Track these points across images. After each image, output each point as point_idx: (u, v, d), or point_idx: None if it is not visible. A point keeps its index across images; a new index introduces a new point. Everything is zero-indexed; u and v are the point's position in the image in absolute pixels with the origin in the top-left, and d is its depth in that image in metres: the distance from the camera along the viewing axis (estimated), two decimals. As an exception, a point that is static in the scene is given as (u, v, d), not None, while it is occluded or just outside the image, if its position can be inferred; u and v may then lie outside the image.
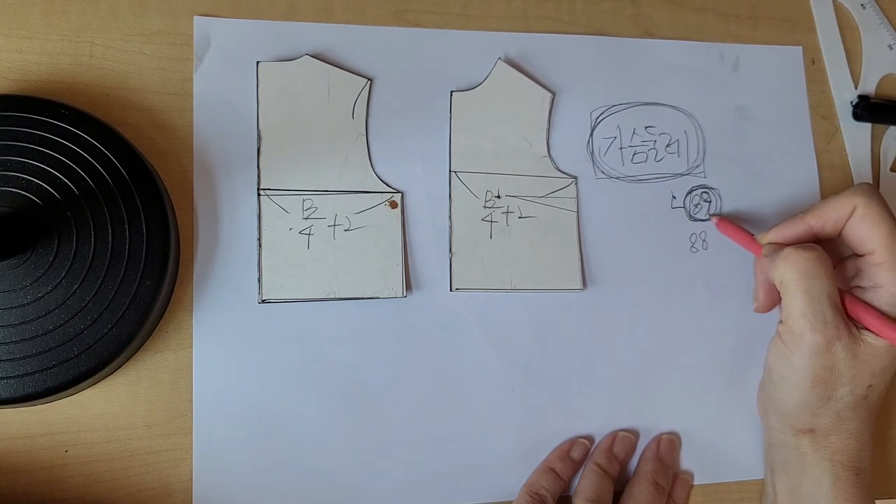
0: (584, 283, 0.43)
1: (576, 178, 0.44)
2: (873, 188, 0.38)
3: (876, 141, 0.48)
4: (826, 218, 0.39)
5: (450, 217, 0.42)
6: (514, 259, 0.42)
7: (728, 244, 0.44)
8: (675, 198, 0.45)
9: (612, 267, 0.43)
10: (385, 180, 0.42)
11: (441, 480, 0.40)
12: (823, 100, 0.47)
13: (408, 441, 0.40)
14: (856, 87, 0.48)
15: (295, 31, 0.42)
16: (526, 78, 0.44)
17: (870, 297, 0.38)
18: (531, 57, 0.44)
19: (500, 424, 0.41)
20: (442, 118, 0.43)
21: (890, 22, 0.49)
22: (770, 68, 0.47)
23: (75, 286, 0.35)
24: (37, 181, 0.36)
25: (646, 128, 0.45)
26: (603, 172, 0.44)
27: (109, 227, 0.36)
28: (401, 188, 0.42)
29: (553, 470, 0.40)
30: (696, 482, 0.42)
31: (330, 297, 0.40)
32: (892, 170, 0.48)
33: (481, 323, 0.41)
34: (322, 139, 0.41)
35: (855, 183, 0.47)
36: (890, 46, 0.49)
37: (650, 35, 0.46)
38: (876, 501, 0.39)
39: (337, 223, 0.41)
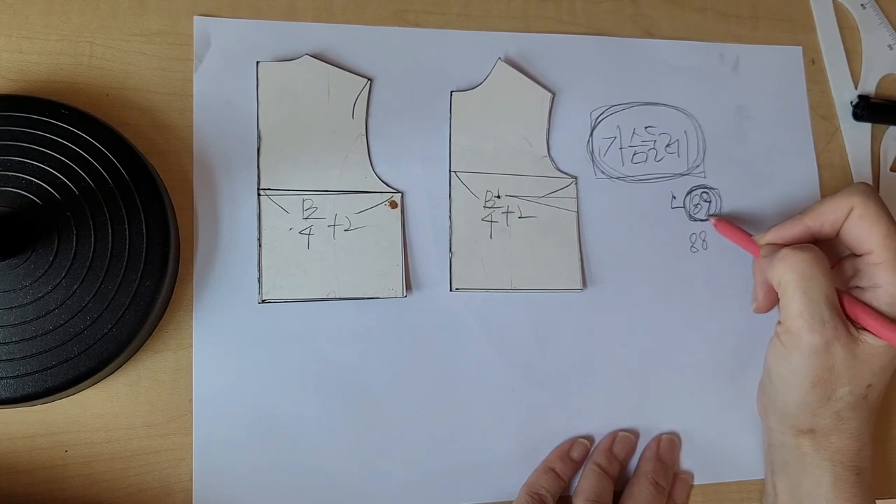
0: (584, 283, 0.43)
1: (576, 178, 0.44)
2: (870, 188, 0.38)
3: (876, 141, 0.48)
4: (824, 218, 0.39)
5: (450, 217, 0.42)
6: (514, 259, 0.42)
7: (728, 244, 0.44)
8: (675, 198, 0.45)
9: (612, 267, 0.43)
10: (385, 180, 0.42)
11: (441, 480, 0.40)
12: (823, 100, 0.47)
13: (408, 441, 0.40)
14: (856, 87, 0.48)
15: (295, 31, 0.42)
16: (526, 78, 0.44)
17: (868, 297, 0.38)
18: (531, 57, 0.44)
19: (500, 424, 0.41)
20: (442, 118, 0.43)
21: (890, 22, 0.49)
22: (770, 68, 0.47)
23: (75, 286, 0.35)
24: (37, 181, 0.36)
25: (646, 128, 0.45)
26: (603, 172, 0.44)
27: (109, 227, 0.36)
28: (401, 188, 0.42)
29: (553, 470, 0.40)
30: (696, 482, 0.42)
31: (330, 297, 0.40)
32: (892, 170, 0.48)
33: (481, 323, 0.41)
34: (322, 139, 0.41)
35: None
36: (890, 46, 0.49)
37: (650, 35, 0.46)
38: (876, 501, 0.39)
39: (337, 223, 0.41)
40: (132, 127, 0.40)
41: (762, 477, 0.43)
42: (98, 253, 0.36)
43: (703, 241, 0.44)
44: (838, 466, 0.38)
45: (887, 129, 0.48)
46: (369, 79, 0.42)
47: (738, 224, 0.44)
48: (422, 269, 0.41)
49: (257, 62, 0.41)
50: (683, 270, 0.44)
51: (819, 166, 0.46)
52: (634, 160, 0.45)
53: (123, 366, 0.38)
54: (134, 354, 0.38)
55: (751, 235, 0.42)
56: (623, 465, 0.41)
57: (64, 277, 0.35)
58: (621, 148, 0.44)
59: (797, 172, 0.46)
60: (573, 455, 0.41)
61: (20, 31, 0.40)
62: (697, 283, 0.44)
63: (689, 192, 0.45)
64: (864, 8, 0.49)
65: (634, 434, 0.42)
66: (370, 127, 0.42)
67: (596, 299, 0.43)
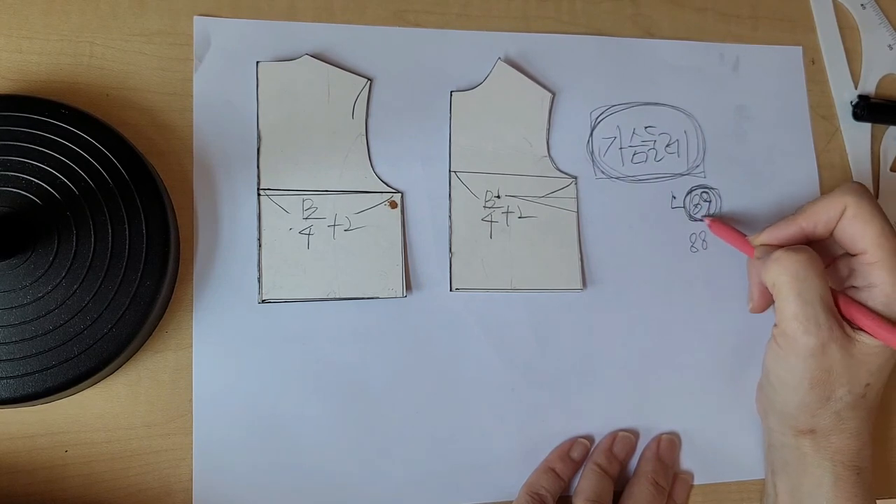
0: (584, 283, 0.43)
1: (576, 178, 0.44)
2: (863, 187, 0.38)
3: (876, 141, 0.48)
4: (817, 219, 0.39)
5: (450, 217, 0.42)
6: (514, 259, 0.42)
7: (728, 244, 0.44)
8: (675, 198, 0.45)
9: (612, 267, 0.43)
10: (385, 180, 0.42)
11: (441, 480, 0.40)
12: (823, 100, 0.47)
13: (408, 441, 0.40)
14: (856, 87, 0.48)
15: (295, 31, 0.42)
16: (526, 78, 0.44)
17: (864, 296, 0.38)
18: (531, 57, 0.44)
19: (500, 424, 0.41)
20: (442, 118, 0.43)
21: (890, 22, 0.49)
22: (770, 68, 0.47)
23: (75, 286, 0.35)
24: (37, 181, 0.36)
25: (646, 128, 0.45)
26: (603, 172, 0.44)
27: (109, 227, 0.36)
28: (401, 188, 0.42)
29: (553, 470, 0.40)
30: (696, 482, 0.42)
31: (330, 297, 0.40)
32: (892, 170, 0.48)
33: (481, 323, 0.41)
34: (322, 139, 0.41)
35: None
36: (890, 46, 0.49)
37: (650, 35, 0.46)
38: (877, 501, 0.39)
39: (337, 223, 0.41)
40: (132, 127, 0.40)
41: (762, 477, 0.43)
42: (98, 253, 0.36)
43: (703, 241, 0.44)
44: (839, 466, 0.38)
45: (887, 129, 0.48)
46: (369, 79, 0.42)
47: (737, 224, 0.44)
48: (422, 269, 0.41)
49: (257, 62, 0.41)
50: (683, 270, 0.44)
51: (819, 166, 0.47)
52: (634, 160, 0.45)
53: (123, 366, 0.38)
54: (134, 354, 0.38)
55: (745, 236, 0.42)
56: (623, 465, 0.41)
57: (64, 277, 0.35)
58: (621, 148, 0.44)
59: (797, 172, 0.46)
60: (573, 455, 0.41)
61: (20, 31, 0.40)
62: (697, 283, 0.44)
63: (689, 192, 0.45)
64: (864, 8, 0.49)
65: (634, 434, 0.42)
66: (370, 127, 0.42)
67: (596, 299, 0.43)
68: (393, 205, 0.41)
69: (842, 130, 0.47)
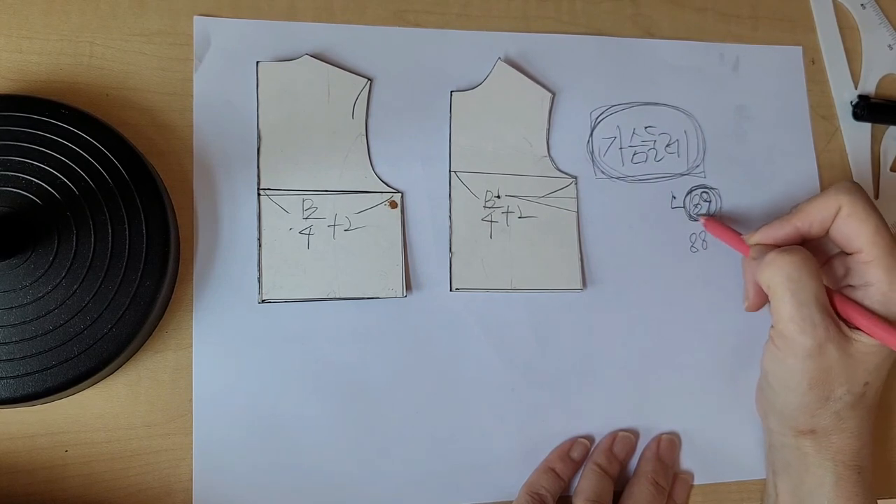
0: (584, 283, 0.43)
1: (576, 178, 0.44)
2: (856, 185, 0.38)
3: (876, 141, 0.48)
4: (812, 218, 0.39)
5: (450, 217, 0.42)
6: (514, 259, 0.42)
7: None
8: (675, 198, 0.45)
9: (612, 267, 0.43)
10: (385, 180, 0.42)
11: (441, 480, 0.40)
12: (823, 100, 0.47)
13: (408, 441, 0.40)
14: (856, 87, 0.48)
15: (295, 31, 0.42)
16: (526, 78, 0.44)
17: (860, 295, 0.38)
18: (531, 57, 0.44)
19: (500, 424, 0.41)
20: (442, 118, 0.43)
21: (890, 22, 0.49)
22: (770, 68, 0.47)
23: (75, 286, 0.35)
24: (37, 181, 0.36)
25: (646, 128, 0.45)
26: (603, 172, 0.44)
27: (109, 227, 0.36)
28: (401, 188, 0.42)
29: (553, 470, 0.40)
30: (696, 482, 0.42)
31: (330, 297, 0.40)
32: (892, 170, 0.48)
33: (481, 323, 0.41)
34: (322, 139, 0.41)
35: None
36: (890, 46, 0.49)
37: (650, 35, 0.46)
38: (877, 501, 0.39)
39: (337, 223, 0.41)
40: (132, 127, 0.40)
41: (762, 477, 0.43)
42: (98, 253, 0.36)
43: (703, 241, 0.44)
44: (840, 466, 0.38)
45: (887, 129, 0.48)
46: (369, 79, 0.42)
47: (737, 224, 0.44)
48: (422, 269, 0.41)
49: (257, 62, 0.41)
50: (683, 270, 0.44)
51: (819, 166, 0.46)
52: (634, 160, 0.45)
53: (123, 366, 0.38)
54: (134, 354, 0.38)
55: (740, 235, 0.42)
56: (623, 465, 0.41)
57: (64, 277, 0.35)
58: (621, 148, 0.44)
59: (797, 172, 0.46)
60: (573, 455, 0.41)
61: (20, 31, 0.40)
62: (697, 283, 0.44)
63: (689, 192, 0.45)
64: (864, 8, 0.49)
65: (634, 434, 0.42)
66: (370, 127, 0.42)
67: (596, 299, 0.43)
68: (393, 205, 0.41)
69: (842, 130, 0.47)
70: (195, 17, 0.41)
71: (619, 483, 0.41)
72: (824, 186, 0.46)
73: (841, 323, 0.37)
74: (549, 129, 0.44)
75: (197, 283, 0.39)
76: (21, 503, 0.36)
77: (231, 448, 0.38)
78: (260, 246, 0.40)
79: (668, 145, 0.45)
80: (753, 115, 0.46)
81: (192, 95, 0.40)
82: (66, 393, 0.36)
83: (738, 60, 0.47)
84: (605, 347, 0.42)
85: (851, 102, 0.47)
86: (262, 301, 0.39)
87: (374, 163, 0.42)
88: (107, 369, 0.36)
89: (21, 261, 0.35)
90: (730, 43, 0.47)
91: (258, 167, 0.40)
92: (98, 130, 0.37)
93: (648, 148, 0.45)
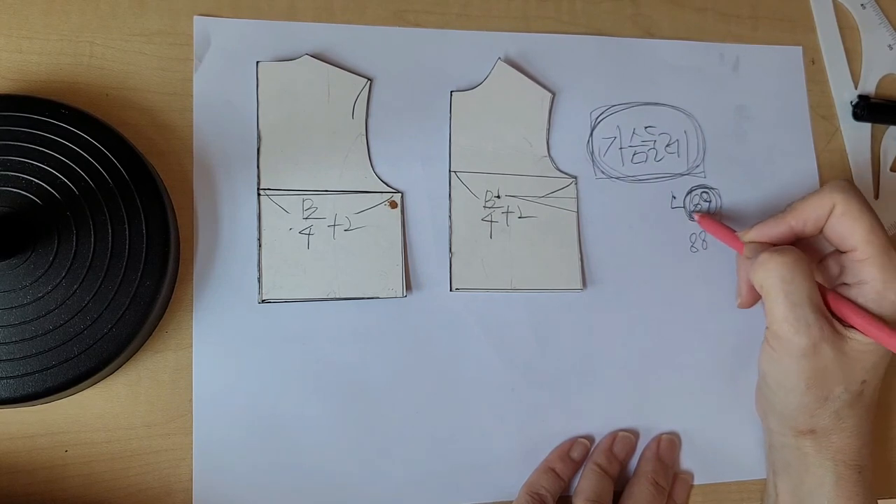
0: (584, 283, 0.43)
1: (576, 178, 0.44)
2: (850, 184, 0.38)
3: (876, 141, 0.48)
4: (806, 217, 0.39)
5: (450, 217, 0.42)
6: (514, 259, 0.42)
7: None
8: (675, 198, 0.45)
9: (612, 267, 0.43)
10: (385, 180, 0.42)
11: (441, 480, 0.40)
12: (823, 100, 0.47)
13: (408, 441, 0.40)
14: (856, 87, 0.48)
15: (295, 31, 0.42)
16: (526, 78, 0.44)
17: (854, 293, 0.38)
18: (531, 57, 0.44)
19: (500, 424, 0.41)
20: (442, 118, 0.43)
21: (890, 22, 0.49)
22: (770, 68, 0.47)
23: (75, 286, 0.35)
24: (37, 181, 0.36)
25: (646, 128, 0.45)
26: (603, 172, 0.44)
27: (109, 227, 0.36)
28: (401, 188, 0.42)
29: (553, 470, 0.40)
30: (696, 482, 0.42)
31: (330, 297, 0.40)
32: (892, 170, 0.48)
33: (481, 323, 0.41)
34: (322, 139, 0.41)
35: (855, 183, 0.47)
36: (890, 46, 0.49)
37: (650, 35, 0.46)
38: (877, 501, 0.39)
39: (337, 223, 0.41)
40: (132, 127, 0.40)
41: (762, 477, 0.43)
42: (98, 253, 0.36)
43: (703, 241, 0.44)
44: (840, 466, 0.38)
45: (887, 129, 0.48)
46: (369, 79, 0.42)
47: (737, 224, 0.44)
48: (422, 269, 0.41)
49: (257, 62, 0.41)
50: (683, 270, 0.44)
51: (819, 166, 0.46)
52: (634, 160, 0.45)
53: (123, 366, 0.38)
54: (134, 354, 0.38)
55: (735, 232, 0.42)
56: (623, 465, 0.41)
57: (64, 277, 0.35)
58: (621, 148, 0.44)
59: (797, 172, 0.46)
60: (573, 455, 0.41)
61: (20, 31, 0.40)
62: (697, 283, 0.44)
63: (689, 192, 0.45)
64: (864, 8, 0.49)
65: (634, 434, 0.42)
66: (370, 127, 0.42)
67: (596, 299, 0.43)
68: (393, 205, 0.41)
69: (842, 130, 0.47)
70: (195, 17, 0.41)
71: (619, 483, 0.41)
72: (824, 186, 0.46)
73: (835, 321, 0.37)
74: (549, 129, 0.44)
75: (197, 283, 0.39)
76: (21, 503, 0.36)
77: (231, 448, 0.38)
78: (260, 246, 0.40)
79: (668, 145, 0.45)
80: (753, 115, 0.46)
81: (192, 95, 0.40)
82: (66, 393, 0.36)
83: (738, 60, 0.47)
84: (605, 347, 0.42)
85: (851, 102, 0.47)
86: (262, 301, 0.39)
87: (374, 163, 0.42)
88: (107, 369, 0.36)
89: (21, 261, 0.35)
90: (730, 43, 0.47)
91: (258, 167, 0.40)
92: (98, 130, 0.37)
93: (648, 148, 0.45)
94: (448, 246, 0.42)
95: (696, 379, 0.43)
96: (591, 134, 0.44)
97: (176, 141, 0.40)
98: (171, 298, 0.39)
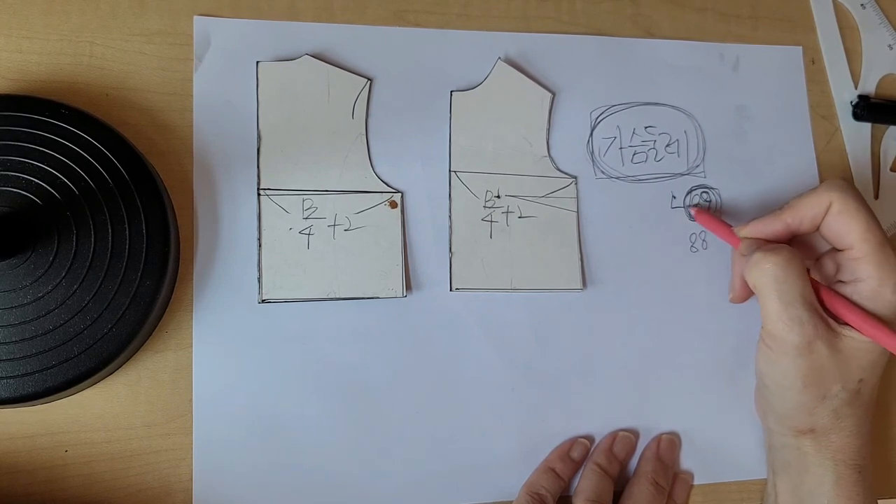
0: (584, 283, 0.43)
1: (576, 178, 0.44)
2: (847, 183, 0.38)
3: (876, 141, 0.48)
4: (802, 215, 0.39)
5: (450, 217, 0.42)
6: (514, 259, 0.42)
7: (730, 248, 0.44)
8: (675, 198, 0.45)
9: (612, 267, 0.43)
10: (385, 180, 0.42)
11: (441, 480, 0.40)
12: (823, 100, 0.47)
13: (408, 441, 0.40)
14: (856, 87, 0.48)
15: (295, 31, 0.42)
16: (526, 78, 0.44)
17: (850, 291, 0.38)
18: (531, 57, 0.44)
19: (500, 424, 0.41)
20: (442, 118, 0.43)
21: (890, 22, 0.49)
22: (770, 68, 0.47)
23: (75, 286, 0.35)
24: (37, 181, 0.36)
25: (646, 128, 0.45)
26: (603, 172, 0.44)
27: (109, 227, 0.36)
28: (401, 188, 0.42)
29: (553, 470, 0.40)
30: (696, 482, 0.42)
31: (330, 297, 0.40)
32: (892, 170, 0.48)
33: (481, 323, 0.41)
34: (322, 139, 0.41)
35: (855, 183, 0.47)
36: (890, 46, 0.49)
37: (650, 35, 0.46)
38: (877, 501, 0.39)
39: (337, 223, 0.41)
40: (132, 127, 0.40)
41: (762, 477, 0.43)
42: (98, 253, 0.36)
43: (703, 241, 0.44)
44: (840, 465, 0.38)
45: (887, 129, 0.48)
46: (369, 79, 0.42)
47: (734, 222, 0.44)
48: (422, 269, 0.41)
49: (257, 62, 0.41)
50: (683, 270, 0.44)
51: (819, 166, 0.47)
52: (634, 160, 0.45)
53: (123, 366, 0.38)
54: (134, 354, 0.38)
55: (731, 227, 0.42)
56: (623, 465, 0.41)
57: (64, 277, 0.35)
58: (621, 148, 0.44)
59: (797, 172, 0.46)
60: (573, 455, 0.41)
61: (20, 31, 0.40)
62: (697, 283, 0.44)
63: (689, 192, 0.45)
64: (864, 8, 0.49)
65: (634, 434, 0.42)
66: (370, 127, 0.42)
67: (596, 299, 0.43)
68: (393, 205, 0.41)
69: (842, 130, 0.47)
70: (195, 17, 0.41)
71: (619, 483, 0.41)
72: (824, 186, 0.46)
73: (829, 319, 0.37)
74: (549, 129, 0.44)
75: (197, 283, 0.39)
76: (21, 503, 0.36)
77: (231, 448, 0.38)
78: (260, 246, 0.40)
79: (668, 145, 0.45)
80: (753, 115, 0.46)
81: (192, 95, 0.40)
82: (66, 393, 0.36)
83: (738, 60, 0.47)
84: (605, 347, 0.42)
85: (851, 102, 0.47)
86: (262, 301, 0.39)
87: (374, 163, 0.42)
88: (107, 369, 0.36)
89: (21, 261, 0.35)
90: (730, 43, 0.47)
91: (258, 167, 0.40)
92: (98, 130, 0.37)
93: (648, 148, 0.45)
94: (448, 246, 0.42)
95: (696, 379, 0.43)
96: (591, 134, 0.44)
97: (176, 141, 0.40)
98: (171, 298, 0.39)
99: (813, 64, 0.48)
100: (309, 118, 0.41)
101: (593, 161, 0.44)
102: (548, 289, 0.42)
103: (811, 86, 0.47)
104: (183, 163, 0.40)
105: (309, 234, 0.40)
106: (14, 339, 0.35)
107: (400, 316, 0.41)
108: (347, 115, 0.42)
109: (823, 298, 0.38)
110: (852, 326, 0.37)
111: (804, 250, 0.42)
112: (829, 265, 0.40)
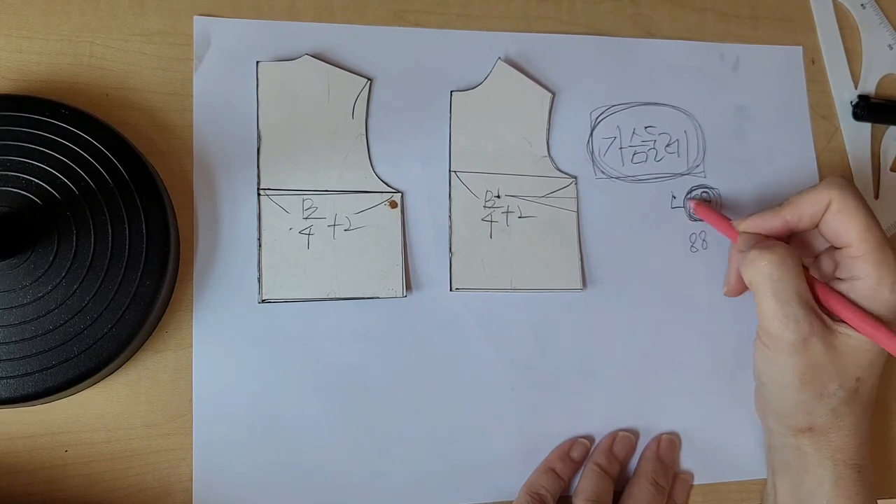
0: (584, 283, 0.43)
1: (576, 177, 0.44)
2: (847, 181, 0.38)
3: (876, 141, 0.48)
4: (801, 212, 0.39)
5: (450, 217, 0.42)
6: (514, 259, 0.42)
7: (728, 243, 0.44)
8: (675, 198, 0.45)
9: (612, 267, 0.43)
10: (385, 180, 0.42)
11: (441, 480, 0.40)
12: (823, 100, 0.47)
13: (408, 441, 0.40)
14: (856, 87, 0.48)
15: (295, 31, 0.42)
16: (526, 78, 0.44)
17: (848, 289, 0.38)
18: (531, 57, 0.44)
19: (500, 424, 0.41)
20: (442, 118, 0.43)
21: (890, 22, 0.49)
22: (770, 68, 0.47)
23: (75, 286, 0.35)
24: (37, 181, 0.36)
25: (646, 128, 0.45)
26: (603, 172, 0.44)
27: (109, 227, 0.36)
28: (401, 188, 0.42)
29: (553, 470, 0.40)
30: (696, 482, 0.42)
31: (330, 297, 0.40)
32: (892, 170, 0.48)
33: (481, 323, 0.41)
34: (322, 139, 0.41)
35: (855, 183, 0.47)
36: (890, 46, 0.49)
37: (650, 35, 0.46)
38: (877, 501, 0.39)
39: (337, 223, 0.41)
40: (132, 127, 0.40)
41: (762, 477, 0.43)
42: (98, 253, 0.36)
43: (703, 241, 0.44)
44: (840, 465, 0.38)
45: (887, 129, 0.48)
46: (369, 79, 0.42)
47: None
48: (422, 269, 0.41)
49: (257, 62, 0.41)
50: (683, 270, 0.44)
51: (819, 166, 0.47)
52: (634, 160, 0.45)
53: (123, 366, 0.38)
54: (134, 354, 0.38)
55: (730, 220, 0.42)
56: (623, 465, 0.41)
57: (64, 277, 0.35)
58: (621, 148, 0.44)
59: (797, 172, 0.46)
60: (573, 455, 0.41)
61: (20, 31, 0.40)
62: (697, 283, 0.44)
63: (690, 192, 0.45)
64: (864, 8, 0.49)
65: (634, 434, 0.42)
66: (370, 127, 0.42)
67: (596, 299, 0.43)
68: (393, 205, 0.41)
69: (842, 130, 0.47)
70: (195, 17, 0.41)
71: (619, 483, 0.41)
72: (824, 186, 0.46)
73: (825, 317, 0.37)
74: (549, 129, 0.44)
75: (197, 283, 0.39)
76: (21, 503, 0.36)
77: (231, 448, 0.38)
78: (260, 246, 0.40)
79: (668, 145, 0.45)
80: (753, 115, 0.46)
81: (192, 95, 0.40)
82: (66, 393, 0.36)
83: (738, 60, 0.47)
84: (605, 347, 0.42)
85: (851, 102, 0.47)
86: (262, 301, 0.39)
87: (374, 163, 0.42)
88: (107, 369, 0.36)
89: (21, 261, 0.35)
90: (730, 43, 0.47)
91: (258, 167, 0.40)
92: (98, 130, 0.37)
93: (648, 148, 0.45)
94: (448, 246, 0.42)
95: (696, 379, 0.43)
96: (591, 134, 0.44)
97: (176, 141, 0.40)
98: (171, 298, 0.39)
99: (813, 64, 0.48)
100: (309, 118, 0.41)
101: (593, 161, 0.44)
102: (548, 289, 0.42)
103: (811, 86, 0.47)
104: (183, 163, 0.40)
105: (309, 234, 0.40)
106: (14, 339, 0.35)
107: (400, 316, 0.41)
108: (347, 115, 0.42)
109: (821, 296, 0.38)
110: (849, 325, 0.37)
111: (803, 247, 0.42)
112: (827, 263, 0.40)
